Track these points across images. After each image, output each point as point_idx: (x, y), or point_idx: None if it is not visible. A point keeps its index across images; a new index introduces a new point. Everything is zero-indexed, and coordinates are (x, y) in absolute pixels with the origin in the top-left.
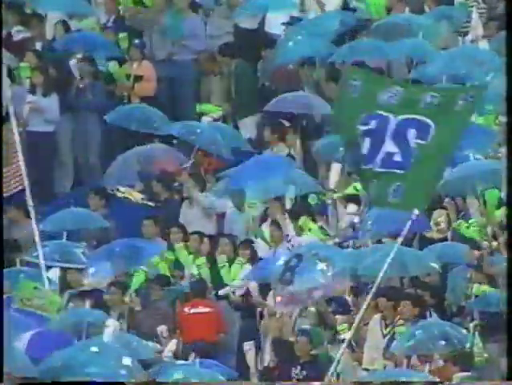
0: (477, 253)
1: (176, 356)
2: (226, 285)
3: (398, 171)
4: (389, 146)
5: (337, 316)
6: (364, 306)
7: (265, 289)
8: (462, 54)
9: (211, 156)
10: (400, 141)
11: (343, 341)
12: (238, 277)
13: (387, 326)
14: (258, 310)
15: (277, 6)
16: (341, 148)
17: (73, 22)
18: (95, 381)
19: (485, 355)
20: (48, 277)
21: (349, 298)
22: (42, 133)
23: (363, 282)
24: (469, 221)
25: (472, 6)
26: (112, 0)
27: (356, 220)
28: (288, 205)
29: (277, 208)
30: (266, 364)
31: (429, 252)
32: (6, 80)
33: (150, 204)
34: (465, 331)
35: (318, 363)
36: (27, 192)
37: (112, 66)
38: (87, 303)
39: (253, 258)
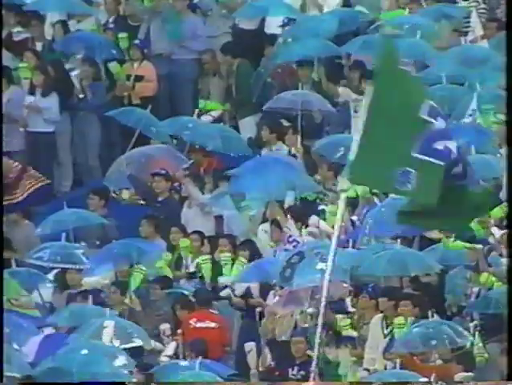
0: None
1: (176, 358)
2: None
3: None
4: None
5: (337, 315)
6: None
7: (265, 289)
8: (462, 54)
9: (211, 156)
10: None
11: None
12: (239, 277)
13: (388, 325)
14: (257, 310)
15: (277, 8)
16: (341, 148)
17: (73, 23)
18: (96, 381)
19: (486, 355)
20: (48, 278)
21: (348, 299)
22: (41, 133)
23: (363, 282)
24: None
25: (472, 6)
26: (113, 0)
27: (355, 218)
28: (288, 205)
29: (277, 208)
30: (266, 365)
31: (429, 252)
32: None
33: (142, 202)
34: (464, 332)
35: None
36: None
37: (113, 66)
38: (87, 303)
39: (254, 259)
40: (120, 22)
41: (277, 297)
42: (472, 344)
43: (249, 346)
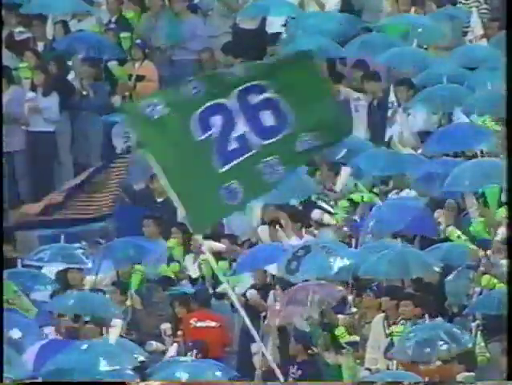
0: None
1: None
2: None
3: None
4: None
5: (339, 315)
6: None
7: (264, 289)
8: (463, 55)
9: None
10: None
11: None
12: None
13: (389, 325)
14: (259, 310)
15: (277, 8)
16: (344, 149)
17: (74, 23)
18: (96, 381)
19: (487, 355)
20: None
21: (350, 297)
22: (42, 133)
23: (365, 281)
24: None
25: (474, 6)
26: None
27: (357, 217)
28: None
29: (277, 208)
30: (268, 365)
31: (430, 252)
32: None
33: (126, 200)
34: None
35: (315, 364)
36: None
37: (113, 66)
38: None
39: None
40: (122, 22)
41: (277, 304)
42: (473, 344)
43: (256, 347)
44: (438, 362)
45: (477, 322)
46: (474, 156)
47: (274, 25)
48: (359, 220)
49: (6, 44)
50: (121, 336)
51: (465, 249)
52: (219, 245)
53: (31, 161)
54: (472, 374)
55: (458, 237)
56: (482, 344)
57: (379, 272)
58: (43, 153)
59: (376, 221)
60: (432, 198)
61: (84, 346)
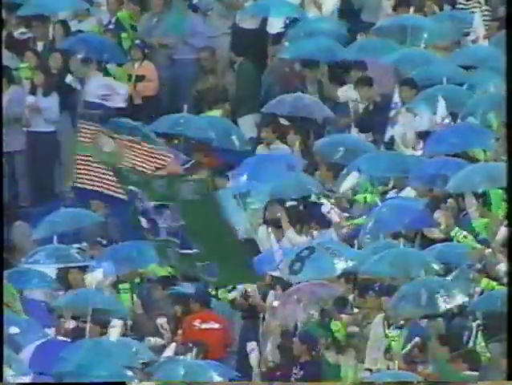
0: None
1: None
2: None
3: None
4: None
5: (342, 315)
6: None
7: (264, 289)
8: (464, 56)
9: (212, 155)
10: None
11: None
12: None
13: (389, 325)
14: (258, 311)
15: (278, 8)
16: (341, 148)
17: (74, 23)
18: (96, 381)
19: (488, 355)
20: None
21: (350, 297)
22: (42, 133)
23: (367, 281)
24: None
25: (475, 7)
26: (114, 0)
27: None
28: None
29: (277, 208)
30: (268, 365)
31: (430, 252)
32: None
33: (122, 197)
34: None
35: (317, 364)
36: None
37: (113, 68)
38: None
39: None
40: (122, 23)
41: (275, 303)
42: (474, 343)
43: (252, 345)
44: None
45: (478, 321)
46: (474, 156)
47: (275, 25)
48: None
49: (6, 44)
50: (125, 335)
51: (464, 249)
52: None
53: (31, 161)
54: (475, 373)
55: (465, 236)
56: (483, 344)
57: (381, 272)
58: (43, 153)
59: (375, 221)
60: (432, 198)
61: (84, 347)
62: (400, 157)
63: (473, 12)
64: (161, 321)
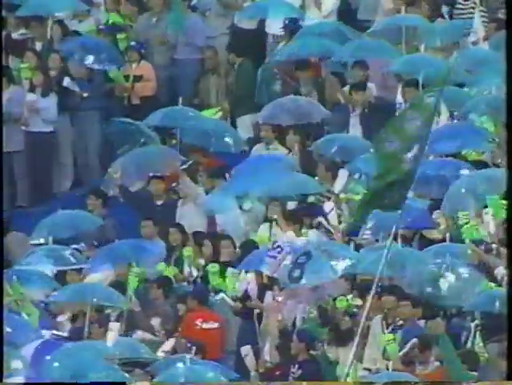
0: (478, 253)
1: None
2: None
3: None
4: None
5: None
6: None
7: (263, 289)
8: (465, 57)
9: (210, 156)
10: None
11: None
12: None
13: (388, 325)
14: (256, 311)
15: (276, 8)
16: (335, 147)
17: (74, 23)
18: (96, 381)
19: (486, 355)
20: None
21: (349, 297)
22: (41, 133)
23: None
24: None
25: (472, 7)
26: (113, 0)
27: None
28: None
29: (277, 208)
30: (266, 365)
31: (429, 252)
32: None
33: (121, 200)
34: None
35: (315, 363)
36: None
37: (111, 70)
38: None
39: None
40: (120, 23)
41: (278, 298)
42: (473, 344)
43: (246, 349)
44: (437, 363)
45: (476, 322)
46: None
47: (274, 26)
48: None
49: (5, 44)
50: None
51: (463, 250)
52: None
53: (30, 162)
54: (474, 373)
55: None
56: (481, 344)
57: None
58: (42, 154)
59: (376, 220)
60: (430, 199)
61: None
62: None
63: (471, 13)
64: (155, 322)
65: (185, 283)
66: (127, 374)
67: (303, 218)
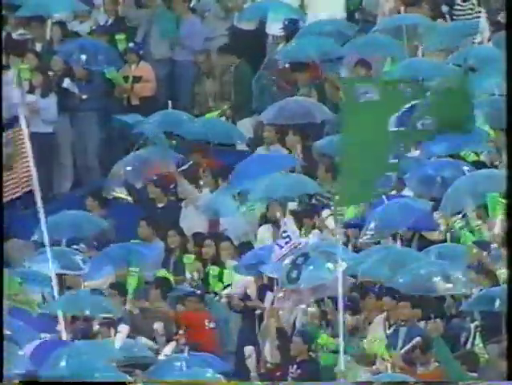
0: (477, 253)
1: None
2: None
3: None
4: None
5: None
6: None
7: (262, 289)
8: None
9: (210, 156)
10: None
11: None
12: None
13: (390, 326)
14: (257, 312)
15: (276, 9)
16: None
17: (75, 24)
18: (96, 381)
19: (486, 356)
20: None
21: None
22: (41, 134)
23: (366, 283)
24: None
25: (472, 9)
26: (111, 1)
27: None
28: (290, 206)
29: (278, 209)
30: (267, 365)
31: (428, 253)
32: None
33: (129, 199)
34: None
35: (314, 363)
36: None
37: (109, 72)
38: None
39: None
40: (119, 24)
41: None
42: (472, 344)
43: (249, 350)
44: (436, 364)
45: (476, 322)
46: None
47: (274, 26)
48: (357, 221)
49: (5, 45)
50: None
51: (464, 250)
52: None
53: None
54: (473, 374)
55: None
56: (481, 345)
57: (379, 274)
58: (42, 154)
59: (379, 221)
60: (430, 199)
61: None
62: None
63: (470, 14)
64: (158, 326)
65: (185, 283)
66: (127, 375)
67: (304, 219)
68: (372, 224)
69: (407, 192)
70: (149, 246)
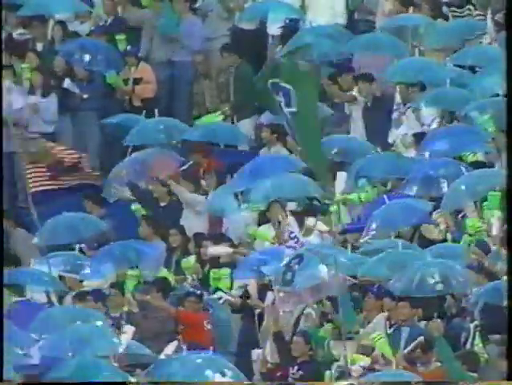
0: (477, 253)
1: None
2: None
3: None
4: None
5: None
6: None
7: (263, 289)
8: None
9: (211, 156)
10: None
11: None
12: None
13: (391, 326)
14: (257, 311)
15: (276, 9)
16: (335, 149)
17: (76, 24)
18: (96, 381)
19: (485, 356)
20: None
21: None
22: (41, 134)
23: (366, 283)
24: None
25: (470, 10)
26: (111, 1)
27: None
28: (290, 207)
29: (279, 209)
30: (268, 365)
31: (429, 253)
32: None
33: (131, 198)
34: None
35: (315, 364)
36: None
37: (109, 75)
38: (88, 304)
39: None
40: (118, 24)
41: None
42: (472, 344)
43: (257, 354)
44: (437, 364)
45: (476, 322)
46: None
47: (274, 27)
48: (356, 221)
49: (5, 44)
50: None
51: (464, 250)
52: (223, 250)
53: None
54: (474, 374)
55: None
56: (481, 345)
57: (379, 274)
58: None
59: (381, 221)
60: (430, 199)
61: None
62: (398, 158)
63: (469, 14)
64: (156, 325)
65: (185, 284)
66: (128, 375)
67: (304, 219)
68: (374, 225)
69: (408, 191)
70: (151, 245)
